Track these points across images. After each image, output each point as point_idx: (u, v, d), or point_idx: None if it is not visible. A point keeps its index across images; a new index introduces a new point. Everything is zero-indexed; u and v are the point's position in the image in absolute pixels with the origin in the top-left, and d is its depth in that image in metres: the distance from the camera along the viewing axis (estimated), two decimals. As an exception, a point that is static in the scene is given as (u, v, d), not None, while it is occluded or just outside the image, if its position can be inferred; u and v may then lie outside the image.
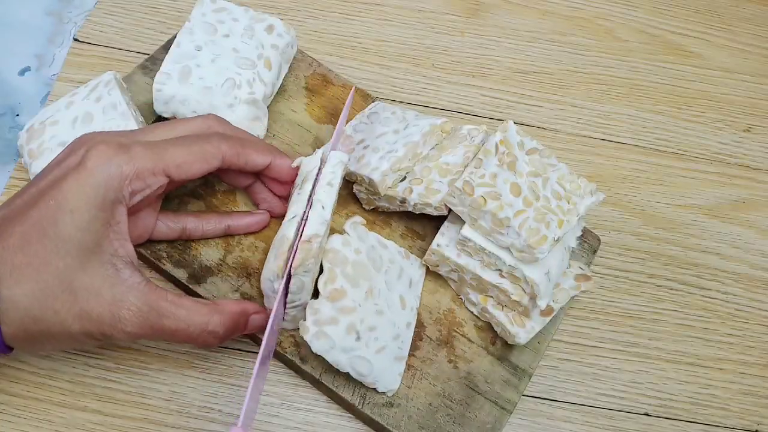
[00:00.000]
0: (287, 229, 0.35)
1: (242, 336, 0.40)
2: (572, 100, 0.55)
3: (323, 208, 0.35)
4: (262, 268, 0.39)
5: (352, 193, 0.44)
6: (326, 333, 0.35)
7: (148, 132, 0.35)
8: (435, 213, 0.41)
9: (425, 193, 0.41)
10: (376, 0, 0.58)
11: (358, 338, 0.35)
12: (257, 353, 0.40)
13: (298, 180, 0.39)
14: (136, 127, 0.40)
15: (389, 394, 0.38)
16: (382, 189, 0.41)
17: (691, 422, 0.42)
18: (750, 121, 0.55)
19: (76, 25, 0.52)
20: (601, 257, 0.47)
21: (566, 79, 0.56)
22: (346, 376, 0.38)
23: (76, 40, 0.51)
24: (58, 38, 0.52)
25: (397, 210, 0.43)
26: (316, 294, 0.36)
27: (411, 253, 0.42)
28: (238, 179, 0.41)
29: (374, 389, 0.37)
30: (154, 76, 0.42)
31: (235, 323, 0.35)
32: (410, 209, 0.42)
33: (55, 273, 0.30)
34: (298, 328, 0.36)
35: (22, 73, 0.50)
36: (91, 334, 0.31)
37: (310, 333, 0.34)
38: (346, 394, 0.38)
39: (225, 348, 0.40)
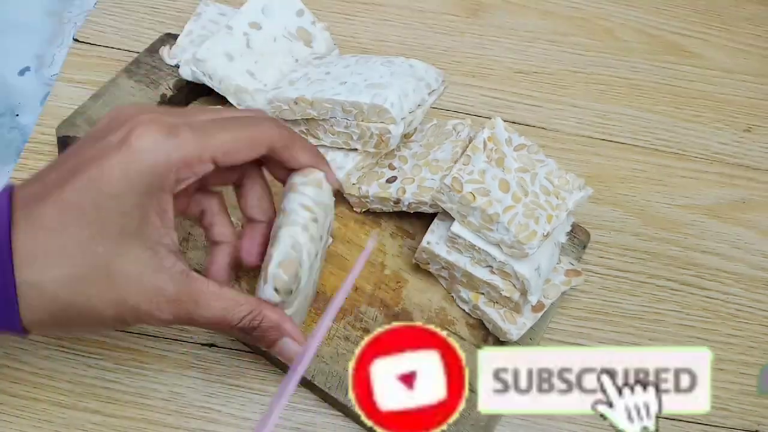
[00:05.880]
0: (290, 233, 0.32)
1: (250, 347, 0.39)
2: (572, 100, 0.54)
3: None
4: (252, 271, 0.37)
5: (341, 194, 0.43)
6: None
7: (196, 113, 0.33)
8: (430, 210, 0.41)
9: (419, 191, 0.41)
10: (376, 0, 0.58)
11: None
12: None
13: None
14: None
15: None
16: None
17: (691, 422, 0.42)
18: (750, 121, 0.55)
19: (76, 25, 0.52)
20: (601, 257, 0.47)
21: (566, 79, 0.56)
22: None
23: (75, 40, 0.51)
24: (58, 38, 0.52)
25: (390, 210, 0.43)
26: None
27: (402, 251, 0.42)
28: (228, 176, 0.36)
29: None
30: (139, 79, 0.42)
31: (263, 336, 0.33)
32: (405, 209, 0.42)
33: (93, 258, 0.28)
34: None
35: (22, 73, 0.50)
36: (125, 320, 0.30)
37: None
38: (339, 395, 0.38)
39: (225, 348, 0.40)
